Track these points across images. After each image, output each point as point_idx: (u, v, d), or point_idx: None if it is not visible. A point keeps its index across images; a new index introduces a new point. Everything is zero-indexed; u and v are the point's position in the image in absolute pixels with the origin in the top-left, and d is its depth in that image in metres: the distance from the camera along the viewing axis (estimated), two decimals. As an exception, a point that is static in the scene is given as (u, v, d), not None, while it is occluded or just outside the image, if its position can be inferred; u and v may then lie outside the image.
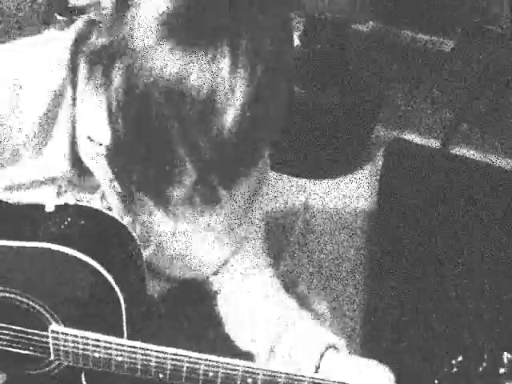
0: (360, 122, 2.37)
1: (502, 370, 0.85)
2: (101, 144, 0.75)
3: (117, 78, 0.65)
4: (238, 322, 1.04)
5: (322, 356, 0.92)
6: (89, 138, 0.78)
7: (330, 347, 0.93)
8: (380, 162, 2.48)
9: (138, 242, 0.90)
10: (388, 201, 2.25)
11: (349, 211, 2.32)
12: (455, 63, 2.96)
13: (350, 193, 2.40)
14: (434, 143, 2.64)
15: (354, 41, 2.48)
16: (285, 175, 2.42)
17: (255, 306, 1.03)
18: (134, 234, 0.90)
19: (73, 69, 0.80)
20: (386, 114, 2.65)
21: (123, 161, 0.71)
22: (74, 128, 0.82)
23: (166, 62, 0.62)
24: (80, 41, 0.78)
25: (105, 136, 0.71)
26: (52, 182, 0.87)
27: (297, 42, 2.36)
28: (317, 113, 2.25)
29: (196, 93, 0.62)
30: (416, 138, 2.65)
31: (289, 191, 2.37)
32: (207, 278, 1.05)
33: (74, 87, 0.80)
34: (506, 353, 0.86)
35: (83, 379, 0.91)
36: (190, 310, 1.12)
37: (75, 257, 0.82)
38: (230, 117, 0.63)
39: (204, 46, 0.62)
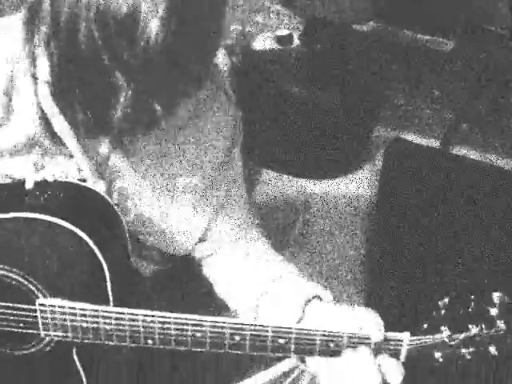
0: (360, 122, 2.37)
1: (493, 311, 0.85)
2: (46, 81, 0.79)
3: (44, 5, 0.70)
4: (226, 282, 1.05)
5: (304, 307, 0.92)
6: (34, 76, 0.82)
7: (314, 298, 0.94)
8: (380, 162, 2.48)
9: (117, 210, 0.91)
10: (388, 201, 2.25)
11: (349, 211, 2.32)
12: (455, 63, 2.96)
13: (350, 193, 2.40)
14: (434, 143, 2.64)
15: (354, 41, 2.48)
16: (285, 175, 2.42)
17: (242, 265, 1.03)
18: (111, 203, 0.91)
19: (30, 34, 0.82)
20: (386, 114, 2.65)
21: (63, 92, 0.75)
22: (37, 89, 0.85)
23: None
24: (31, 13, 0.81)
25: (45, 71, 0.76)
26: (28, 152, 0.88)
27: (297, 41, 2.36)
28: (317, 113, 2.25)
29: (118, 8, 0.66)
30: (416, 138, 2.65)
31: (289, 191, 2.37)
32: (191, 249, 1.05)
33: (32, 53, 0.83)
34: (494, 292, 0.86)
35: (75, 355, 0.92)
36: (180, 284, 1.12)
37: (57, 225, 0.83)
38: (153, 28, 0.66)
39: None
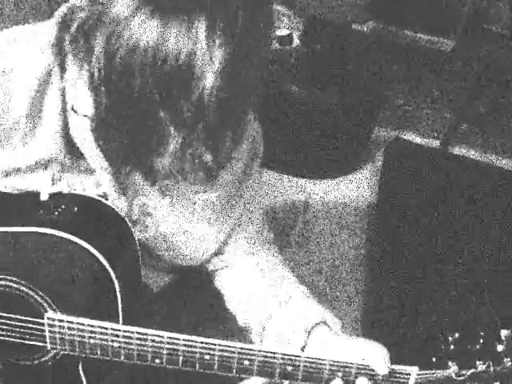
0: (360, 122, 2.37)
1: (500, 348, 0.85)
2: (85, 116, 0.76)
3: (97, 47, 0.67)
4: (237, 296, 1.04)
5: (309, 333, 0.92)
6: (73, 109, 0.79)
7: (320, 323, 0.93)
8: (380, 162, 2.48)
9: (132, 228, 0.91)
10: (388, 201, 2.25)
11: (349, 211, 2.32)
12: (455, 63, 2.96)
13: (350, 193, 2.40)
14: (434, 143, 2.64)
15: (354, 41, 2.48)
16: (285, 175, 2.42)
17: (253, 280, 1.03)
18: (127, 220, 0.90)
19: (59, 52, 0.82)
20: (386, 114, 2.65)
21: (107, 131, 0.73)
22: (65, 110, 0.84)
23: (144, 29, 0.64)
24: (64, 25, 0.80)
25: (87, 106, 0.73)
26: (45, 167, 0.87)
27: (297, 41, 2.36)
28: (317, 113, 2.25)
29: (174, 58, 0.65)
30: (416, 138, 2.65)
31: (289, 191, 2.37)
32: (206, 262, 1.05)
33: (62, 70, 0.82)
34: (503, 330, 0.86)
35: (80, 369, 0.91)
36: (189, 298, 1.12)
37: (69, 241, 0.83)
38: (209, 80, 0.66)
39: (181, 12, 0.64)
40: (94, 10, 0.68)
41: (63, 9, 0.82)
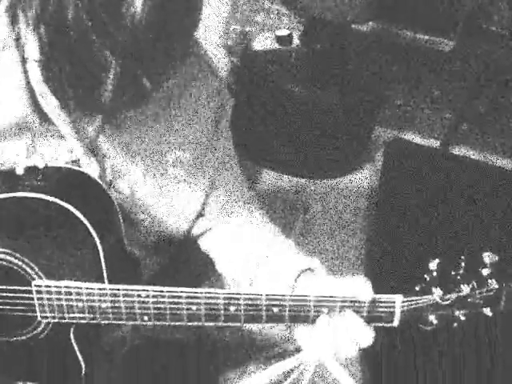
0: (360, 122, 2.37)
1: (485, 272, 0.85)
2: (35, 60, 0.80)
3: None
4: (225, 255, 1.05)
5: (296, 279, 0.93)
6: (22, 58, 0.83)
7: (306, 270, 0.94)
8: (380, 162, 2.48)
9: (110, 192, 0.92)
10: (388, 201, 2.26)
11: (349, 211, 2.32)
12: (455, 63, 2.96)
13: (350, 193, 2.41)
14: (434, 143, 2.64)
15: (353, 41, 2.48)
16: (285, 175, 2.42)
17: (239, 237, 1.04)
18: (102, 184, 0.91)
19: (13, 15, 0.83)
20: (386, 114, 2.65)
21: (52, 70, 0.77)
22: (28, 78, 0.86)
23: None
24: None
25: (34, 51, 0.77)
26: (18, 135, 0.88)
27: (297, 41, 2.36)
28: (317, 113, 2.25)
29: None
30: (416, 138, 2.65)
31: (289, 191, 2.37)
32: (185, 229, 1.05)
33: (17, 34, 0.84)
34: (485, 253, 0.86)
35: (72, 338, 0.92)
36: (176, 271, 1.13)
37: (50, 203, 0.83)
38: (137, 3, 0.70)
39: None
40: None
41: None
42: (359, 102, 2.30)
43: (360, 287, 0.87)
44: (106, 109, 0.81)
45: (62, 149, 0.91)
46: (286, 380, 1.06)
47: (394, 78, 2.83)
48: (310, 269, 0.95)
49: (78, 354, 0.93)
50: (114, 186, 0.95)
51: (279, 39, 2.35)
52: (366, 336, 0.86)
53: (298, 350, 1.14)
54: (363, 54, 2.62)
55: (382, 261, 2.02)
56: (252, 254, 1.01)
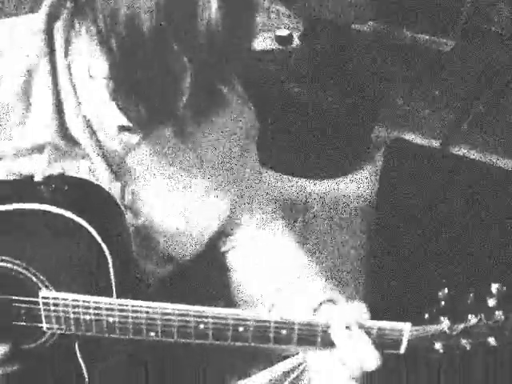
0: (360, 121, 2.37)
1: (491, 302, 0.85)
2: (104, 78, 0.80)
3: (96, 7, 0.71)
4: (246, 274, 1.06)
5: (316, 310, 0.93)
6: (89, 75, 0.83)
7: (327, 301, 0.94)
8: (380, 162, 2.48)
9: (121, 206, 0.92)
10: (388, 201, 2.26)
11: (349, 211, 2.32)
12: (455, 63, 2.96)
13: (350, 193, 2.41)
14: (434, 143, 2.64)
15: (354, 41, 2.48)
16: (285, 175, 2.42)
17: (264, 257, 1.04)
18: (116, 199, 0.91)
19: (48, 38, 0.85)
20: (386, 114, 2.65)
21: (125, 87, 0.76)
22: (58, 95, 0.86)
23: None
24: (53, 12, 0.86)
25: (101, 68, 0.77)
26: (40, 151, 0.88)
27: (297, 41, 2.36)
28: (317, 113, 2.25)
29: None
30: (416, 138, 2.65)
31: (289, 191, 2.37)
32: (199, 251, 1.05)
33: (52, 57, 0.85)
34: (493, 284, 0.86)
35: (77, 349, 0.92)
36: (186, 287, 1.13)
37: (61, 216, 0.83)
38: (213, 10, 0.70)
39: None
40: None
41: None
42: (359, 101, 2.30)
43: (356, 315, 0.87)
44: (180, 118, 0.80)
45: (83, 168, 0.91)
46: (286, 380, 1.06)
47: (394, 78, 2.83)
48: (331, 300, 0.95)
49: (82, 365, 0.93)
50: (132, 209, 0.95)
51: (279, 39, 2.35)
52: (374, 358, 0.86)
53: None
54: (363, 53, 2.62)
55: (382, 261, 2.02)
56: (273, 277, 1.01)
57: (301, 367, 1.06)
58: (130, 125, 0.86)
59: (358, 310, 0.88)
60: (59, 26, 0.85)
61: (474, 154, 2.60)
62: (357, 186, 2.44)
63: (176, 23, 0.70)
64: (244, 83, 1.03)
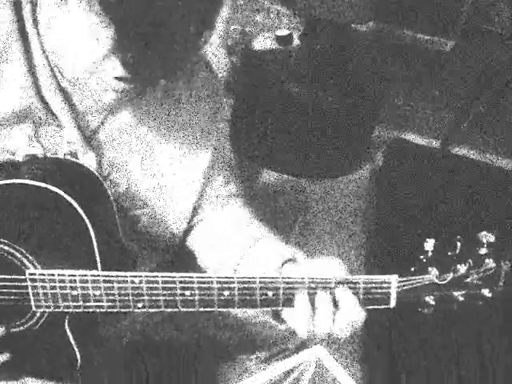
0: (360, 121, 2.37)
1: (482, 250, 0.84)
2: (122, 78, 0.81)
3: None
4: (208, 250, 1.06)
5: (280, 270, 0.93)
6: (116, 78, 0.82)
7: (289, 261, 0.94)
8: (380, 162, 2.48)
9: (106, 184, 0.92)
10: (388, 201, 2.26)
11: (349, 211, 2.32)
12: (455, 63, 2.96)
13: (350, 193, 2.41)
14: (434, 143, 2.64)
15: (354, 41, 2.48)
16: (285, 175, 2.42)
17: (224, 232, 1.04)
18: (100, 178, 0.92)
19: (16, 14, 0.84)
20: (386, 114, 2.65)
21: (134, 39, 0.76)
22: (32, 66, 0.86)
23: None
24: None
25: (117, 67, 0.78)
26: (20, 121, 0.89)
27: (297, 41, 2.36)
28: (317, 113, 2.25)
29: None
30: (416, 138, 2.65)
31: (289, 191, 2.37)
32: (181, 231, 1.05)
33: (23, 30, 0.84)
34: (482, 232, 0.84)
35: (67, 328, 0.92)
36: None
37: (44, 190, 0.83)
38: None
39: None
40: None
41: None
42: (359, 101, 2.30)
43: (334, 268, 0.87)
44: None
45: (61, 140, 0.92)
46: (286, 380, 1.06)
47: (394, 78, 2.83)
48: (293, 259, 0.94)
49: (73, 344, 0.93)
50: (110, 179, 0.96)
51: (279, 39, 2.35)
52: (358, 314, 0.86)
53: (298, 349, 1.14)
54: (363, 53, 2.61)
55: (382, 261, 2.02)
56: (236, 246, 1.01)
57: (300, 367, 1.06)
58: (128, 76, 0.85)
59: (331, 267, 0.87)
60: None
61: (473, 154, 2.60)
62: (357, 186, 2.44)
63: None
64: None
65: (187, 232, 1.07)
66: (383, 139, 2.60)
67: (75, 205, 0.84)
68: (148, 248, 1.06)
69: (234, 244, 1.02)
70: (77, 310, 0.89)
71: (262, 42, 2.36)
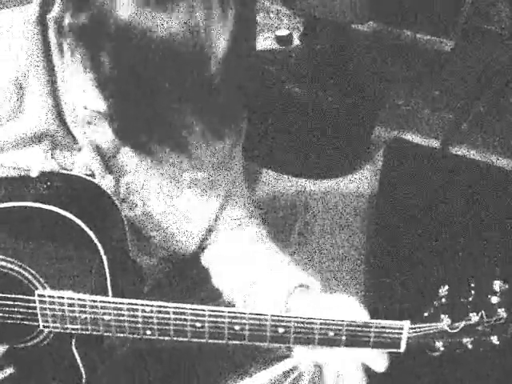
0: (360, 121, 2.37)
1: (494, 299, 0.84)
2: (98, 112, 0.79)
3: (105, 60, 0.69)
4: (224, 270, 1.05)
5: (287, 300, 0.92)
6: (84, 107, 0.81)
7: (300, 287, 0.93)
8: (380, 162, 2.48)
9: (117, 204, 0.92)
10: (388, 201, 2.25)
11: (349, 211, 2.32)
12: (455, 63, 2.96)
13: (350, 193, 2.41)
14: (434, 143, 2.64)
15: (354, 41, 2.48)
16: (285, 175, 2.42)
17: (238, 255, 1.04)
18: (113, 197, 0.91)
19: (43, 38, 0.83)
20: (386, 114, 2.65)
21: (124, 121, 0.76)
22: (55, 89, 0.85)
23: (155, 23, 0.66)
24: (44, 9, 0.82)
25: (99, 105, 0.76)
26: (38, 142, 0.88)
27: (297, 41, 2.36)
28: (317, 113, 2.25)
29: (184, 48, 0.67)
30: (416, 138, 2.66)
31: (289, 191, 2.37)
32: (192, 250, 1.05)
33: (48, 55, 0.83)
34: (496, 281, 0.85)
35: (74, 347, 0.92)
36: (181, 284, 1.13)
37: (56, 214, 0.83)
38: (213, 64, 0.69)
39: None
40: (93, 13, 0.68)
41: None
42: (359, 102, 2.30)
43: (354, 309, 0.87)
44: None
45: (78, 160, 0.91)
46: (286, 380, 1.06)
47: (394, 78, 2.83)
48: (305, 286, 0.94)
49: (79, 363, 0.93)
50: (126, 202, 0.95)
51: (279, 39, 2.35)
52: (379, 363, 0.86)
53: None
54: (363, 53, 2.62)
55: (382, 261, 2.02)
56: (248, 272, 1.00)
57: (301, 367, 1.06)
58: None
59: (345, 306, 0.87)
60: (51, 17, 0.82)
61: (473, 154, 2.60)
62: (357, 186, 2.44)
63: (176, 80, 0.69)
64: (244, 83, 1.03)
65: (201, 251, 1.07)
66: (383, 139, 2.60)
67: (88, 231, 0.84)
68: (157, 260, 1.06)
69: (247, 267, 1.01)
70: (84, 332, 0.88)
71: (262, 42, 2.36)
